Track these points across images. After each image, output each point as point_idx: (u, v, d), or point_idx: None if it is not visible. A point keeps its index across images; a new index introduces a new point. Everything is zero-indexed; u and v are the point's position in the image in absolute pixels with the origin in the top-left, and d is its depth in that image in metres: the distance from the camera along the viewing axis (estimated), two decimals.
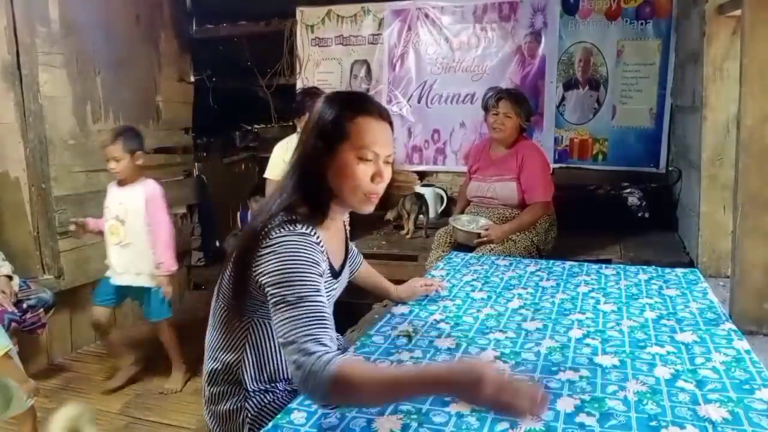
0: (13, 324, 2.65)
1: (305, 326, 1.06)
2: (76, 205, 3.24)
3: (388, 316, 1.69)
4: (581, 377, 1.26)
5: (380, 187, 1.28)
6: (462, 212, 3.14)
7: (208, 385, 1.35)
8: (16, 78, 2.98)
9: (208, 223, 4.84)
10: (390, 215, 3.69)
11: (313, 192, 1.26)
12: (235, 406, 1.30)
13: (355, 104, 1.28)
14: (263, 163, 3.67)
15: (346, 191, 1.27)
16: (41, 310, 2.80)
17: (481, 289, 1.93)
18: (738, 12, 2.10)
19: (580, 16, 3.75)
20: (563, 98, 3.84)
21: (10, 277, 2.74)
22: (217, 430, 1.34)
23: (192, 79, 4.29)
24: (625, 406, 1.12)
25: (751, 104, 1.83)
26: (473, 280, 2.05)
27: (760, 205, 1.84)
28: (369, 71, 4.23)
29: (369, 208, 1.31)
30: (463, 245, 2.83)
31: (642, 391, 1.18)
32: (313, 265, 1.15)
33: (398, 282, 1.86)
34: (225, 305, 1.33)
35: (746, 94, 1.84)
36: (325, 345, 1.04)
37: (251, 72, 4.60)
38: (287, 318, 1.08)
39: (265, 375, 1.32)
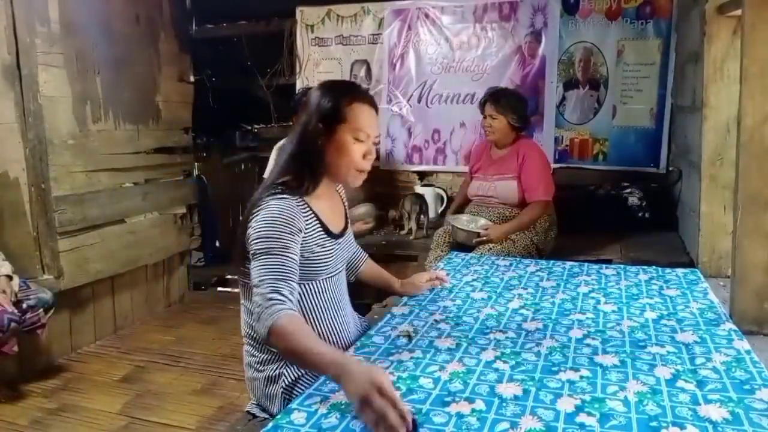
0: (13, 324, 2.65)
1: (270, 275, 1.28)
2: (76, 206, 3.24)
3: (388, 316, 1.69)
4: (581, 377, 1.25)
5: (368, 164, 1.49)
6: (458, 210, 3.14)
7: (248, 354, 1.51)
8: (15, 78, 2.97)
9: (208, 223, 4.84)
10: (394, 214, 3.71)
11: (309, 167, 1.45)
12: (273, 373, 1.44)
13: (351, 92, 1.48)
14: (263, 163, 3.68)
15: (342, 167, 1.46)
16: (41, 310, 2.80)
17: (481, 290, 1.93)
18: (738, 12, 2.10)
19: (581, 16, 3.75)
20: (563, 98, 3.84)
21: (10, 277, 2.74)
22: (256, 396, 1.51)
23: (192, 79, 4.28)
24: (626, 407, 1.12)
25: (752, 104, 1.83)
26: (473, 280, 2.05)
27: (761, 205, 1.84)
28: (369, 71, 4.23)
29: (358, 182, 1.51)
30: (462, 245, 2.83)
31: (642, 392, 1.18)
32: (287, 224, 1.35)
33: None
34: (240, 285, 1.49)
35: (746, 94, 1.84)
36: (283, 295, 1.26)
37: (251, 72, 4.60)
38: (257, 266, 1.30)
39: None
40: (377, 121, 1.50)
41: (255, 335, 1.47)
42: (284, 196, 1.39)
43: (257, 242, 1.33)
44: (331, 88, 1.49)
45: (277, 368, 1.44)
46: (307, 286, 1.46)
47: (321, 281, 1.49)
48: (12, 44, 2.95)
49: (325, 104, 1.43)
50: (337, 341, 1.52)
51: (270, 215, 1.35)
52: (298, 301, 1.41)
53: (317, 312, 1.49)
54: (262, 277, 1.29)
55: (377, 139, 1.50)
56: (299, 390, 1.39)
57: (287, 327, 1.21)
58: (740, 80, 1.87)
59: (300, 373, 1.42)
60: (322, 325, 1.50)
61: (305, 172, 1.44)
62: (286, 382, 1.42)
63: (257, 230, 1.34)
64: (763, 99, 1.82)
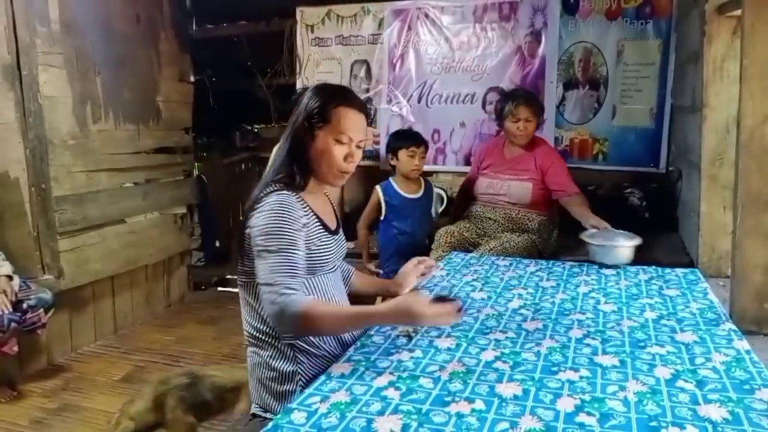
0: (13, 324, 2.65)
1: (282, 273, 1.34)
2: (77, 206, 3.24)
3: None
4: (581, 377, 1.26)
5: (351, 167, 1.51)
6: (462, 211, 3.12)
7: (254, 354, 1.50)
8: (15, 78, 2.97)
9: (208, 223, 4.85)
10: None
11: (297, 164, 1.49)
12: (288, 369, 1.44)
13: (338, 95, 1.50)
14: (263, 163, 3.68)
15: (323, 167, 1.49)
16: (41, 310, 2.80)
17: (481, 290, 1.93)
18: (738, 12, 2.10)
19: (581, 16, 3.74)
20: (563, 98, 3.84)
21: (10, 277, 2.74)
22: (261, 397, 1.49)
23: (192, 79, 4.28)
24: (625, 407, 1.12)
25: (751, 104, 1.83)
26: (473, 280, 2.05)
27: (760, 205, 1.84)
28: (369, 71, 4.23)
29: (339, 183, 1.55)
30: (464, 246, 2.83)
31: (642, 392, 1.18)
32: (292, 220, 1.39)
33: None
34: (240, 286, 1.50)
35: (746, 94, 1.84)
36: (294, 289, 1.33)
37: (251, 72, 4.60)
38: (266, 264, 1.35)
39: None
40: (363, 126, 1.52)
41: (259, 335, 1.47)
42: (283, 191, 1.43)
43: (264, 239, 1.36)
44: (321, 89, 1.52)
45: (290, 366, 1.44)
46: (308, 282, 1.47)
47: (321, 277, 1.50)
48: (12, 44, 2.95)
49: (312, 104, 1.47)
50: (336, 337, 1.52)
51: (274, 211, 1.38)
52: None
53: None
54: (274, 276, 1.33)
55: (362, 143, 1.52)
56: None
57: (316, 307, 1.35)
58: (740, 80, 1.88)
59: (315, 372, 1.43)
60: None
61: (295, 169, 1.48)
62: (304, 380, 1.43)
63: (262, 227, 1.37)
64: (763, 99, 1.82)
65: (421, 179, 3.03)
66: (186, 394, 1.84)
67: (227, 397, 1.92)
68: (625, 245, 2.20)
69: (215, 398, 1.90)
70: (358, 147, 1.51)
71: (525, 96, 2.92)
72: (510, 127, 2.87)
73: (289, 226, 1.37)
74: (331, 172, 1.50)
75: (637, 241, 2.21)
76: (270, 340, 1.46)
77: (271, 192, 1.43)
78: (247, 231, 1.41)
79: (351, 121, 1.48)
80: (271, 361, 1.46)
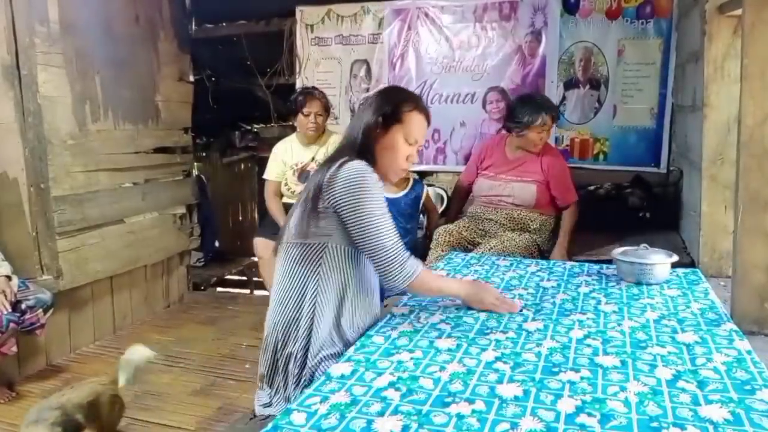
0: (12, 324, 2.64)
1: (394, 238, 1.51)
2: (75, 206, 3.24)
3: (389, 316, 1.68)
4: (582, 378, 1.25)
5: (408, 166, 1.69)
6: (459, 211, 3.11)
7: (274, 349, 1.55)
8: (15, 78, 2.97)
9: (208, 223, 4.84)
10: None
11: (364, 152, 1.60)
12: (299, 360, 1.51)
13: (413, 100, 1.69)
14: (263, 163, 3.67)
15: (386, 161, 1.64)
16: (40, 310, 2.80)
17: None
18: (738, 11, 2.10)
19: (581, 16, 3.74)
20: (564, 98, 3.84)
21: (9, 278, 2.73)
22: (278, 382, 1.54)
23: (191, 78, 4.28)
24: (626, 407, 1.12)
25: (752, 104, 1.83)
26: (474, 280, 2.05)
27: (761, 205, 1.84)
28: (369, 71, 4.22)
29: (395, 179, 1.74)
30: (463, 246, 2.83)
31: (643, 392, 1.18)
32: (379, 187, 1.53)
33: None
34: (294, 246, 1.56)
35: (747, 94, 1.84)
36: (408, 253, 1.54)
37: (251, 72, 4.59)
38: (380, 226, 1.49)
39: (337, 306, 1.55)
40: (426, 132, 1.72)
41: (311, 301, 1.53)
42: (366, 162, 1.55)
43: (363, 199, 1.48)
44: (397, 91, 1.76)
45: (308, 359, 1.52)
46: (358, 259, 1.57)
47: (366, 260, 1.59)
48: (11, 44, 2.94)
49: (388, 104, 1.63)
50: (370, 316, 1.62)
51: (369, 176, 1.51)
52: (355, 271, 1.57)
53: (368, 286, 1.61)
54: (390, 241, 1.50)
55: (420, 146, 1.70)
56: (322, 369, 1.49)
57: (426, 274, 1.60)
58: (740, 79, 1.88)
59: (320, 358, 1.52)
60: (367, 299, 1.61)
61: (362, 156, 1.59)
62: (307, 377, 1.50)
63: (359, 186, 1.48)
64: (764, 98, 1.82)
65: (411, 178, 3.00)
66: (64, 427, 1.91)
67: (91, 411, 2.04)
68: (664, 262, 1.95)
69: (84, 416, 2.00)
70: (417, 150, 1.68)
71: (552, 107, 2.91)
72: (534, 137, 2.84)
73: (380, 192, 1.53)
74: (393, 168, 1.66)
75: (674, 258, 1.97)
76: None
77: (351, 161, 1.54)
78: (329, 186, 1.49)
79: (420, 126, 1.66)
80: (292, 353, 1.52)
